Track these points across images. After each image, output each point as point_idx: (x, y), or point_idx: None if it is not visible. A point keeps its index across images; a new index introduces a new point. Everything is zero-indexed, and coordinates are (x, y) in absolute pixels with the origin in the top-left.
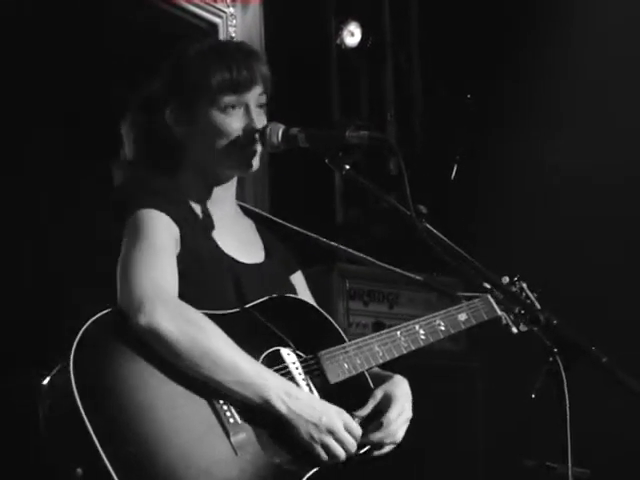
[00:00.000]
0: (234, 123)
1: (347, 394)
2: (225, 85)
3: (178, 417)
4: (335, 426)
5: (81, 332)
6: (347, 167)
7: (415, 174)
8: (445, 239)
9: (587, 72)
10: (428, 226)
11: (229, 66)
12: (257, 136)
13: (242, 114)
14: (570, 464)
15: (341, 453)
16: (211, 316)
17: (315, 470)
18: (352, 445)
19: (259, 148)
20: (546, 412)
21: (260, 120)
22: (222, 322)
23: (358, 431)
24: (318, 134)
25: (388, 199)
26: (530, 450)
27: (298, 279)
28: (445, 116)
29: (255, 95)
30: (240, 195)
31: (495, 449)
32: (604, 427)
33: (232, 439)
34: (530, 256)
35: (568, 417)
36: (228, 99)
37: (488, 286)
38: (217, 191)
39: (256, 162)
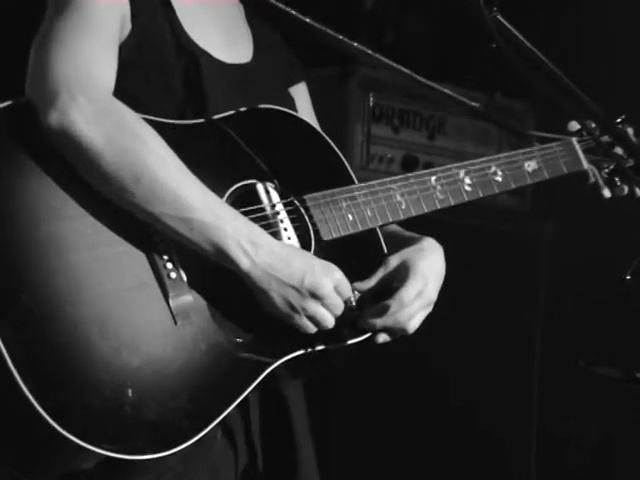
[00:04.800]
0: None
1: (347, 258)
2: None
3: (95, 262)
4: (323, 289)
5: None
6: None
7: None
8: (525, 41)
9: None
10: (501, 18)
11: None
12: None
13: None
14: None
15: (331, 323)
16: (157, 125)
17: (291, 357)
18: (340, 311)
19: None
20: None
21: None
22: (173, 135)
23: (348, 293)
24: None
25: None
26: (605, 353)
27: (301, 93)
28: None
29: None
30: None
31: (558, 346)
32: None
33: (171, 302)
34: None
35: None
36: None
37: (575, 127)
38: None
39: None
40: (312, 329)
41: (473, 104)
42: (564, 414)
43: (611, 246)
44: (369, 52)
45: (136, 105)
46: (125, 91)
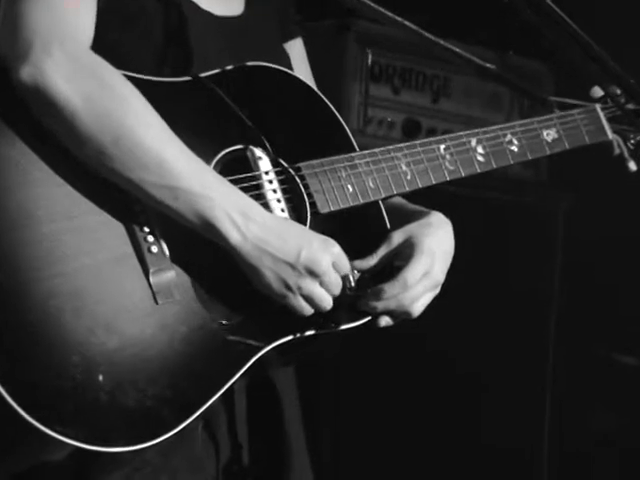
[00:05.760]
0: None
1: (346, 233)
2: None
3: (69, 233)
4: (321, 265)
5: None
6: None
7: None
8: None
9: None
10: None
11: None
12: None
13: None
14: None
15: (329, 304)
16: (139, 82)
17: (283, 341)
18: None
19: None
20: None
21: None
22: (156, 94)
23: (346, 270)
24: None
25: None
26: (622, 340)
27: (297, 50)
28: None
29: None
30: None
31: (572, 332)
32: None
33: (152, 279)
34: None
35: None
36: None
37: (599, 93)
38: None
39: None
40: (308, 310)
41: (487, 65)
42: (579, 396)
43: (632, 220)
44: (372, 4)
45: (113, 56)
46: (102, 39)
